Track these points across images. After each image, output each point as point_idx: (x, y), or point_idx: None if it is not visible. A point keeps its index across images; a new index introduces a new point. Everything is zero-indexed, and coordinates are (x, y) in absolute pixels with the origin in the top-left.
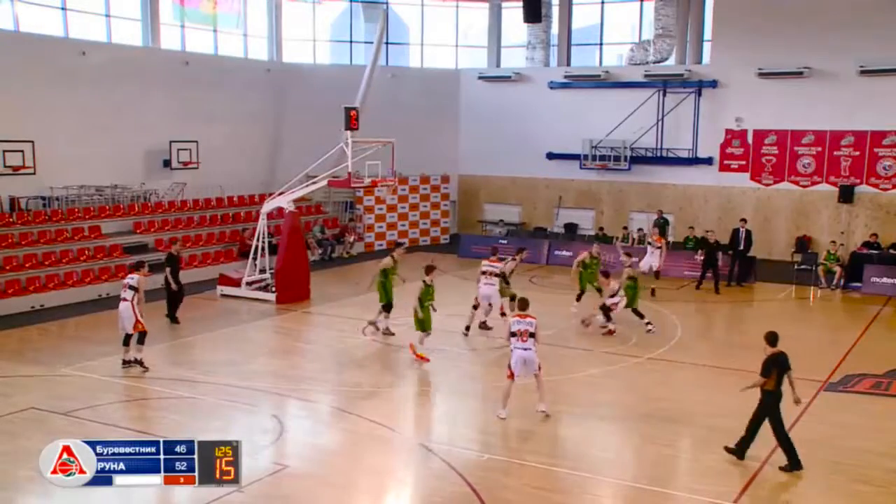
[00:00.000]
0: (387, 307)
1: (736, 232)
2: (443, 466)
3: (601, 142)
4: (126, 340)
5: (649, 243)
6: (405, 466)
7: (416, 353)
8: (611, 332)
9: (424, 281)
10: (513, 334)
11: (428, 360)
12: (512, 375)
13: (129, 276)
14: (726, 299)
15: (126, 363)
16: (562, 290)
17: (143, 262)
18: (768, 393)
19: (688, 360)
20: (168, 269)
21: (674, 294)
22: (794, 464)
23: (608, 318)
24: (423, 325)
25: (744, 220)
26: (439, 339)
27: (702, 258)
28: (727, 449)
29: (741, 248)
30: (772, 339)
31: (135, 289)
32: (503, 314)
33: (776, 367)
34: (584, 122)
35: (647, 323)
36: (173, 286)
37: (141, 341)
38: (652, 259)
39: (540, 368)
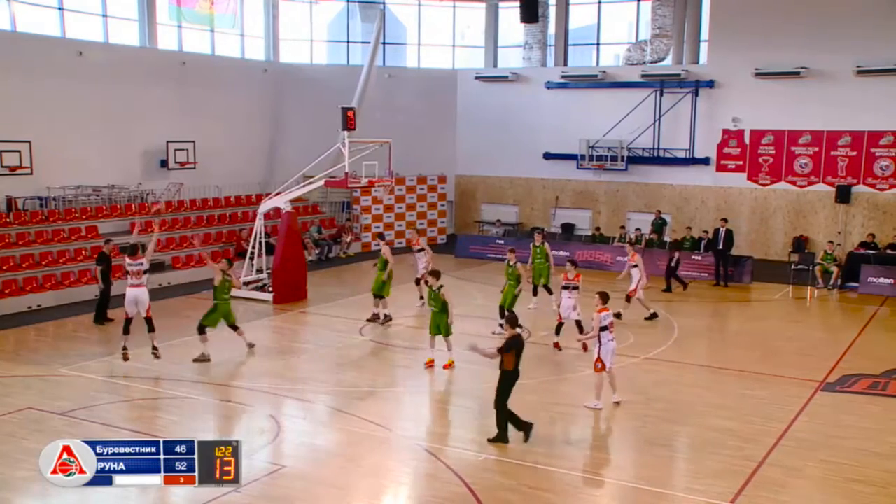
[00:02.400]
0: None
1: (716, 232)
2: (440, 467)
3: (598, 142)
4: (126, 328)
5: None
6: (402, 467)
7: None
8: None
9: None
10: (604, 328)
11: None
12: (604, 367)
13: (137, 260)
14: (723, 299)
15: (126, 350)
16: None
17: (137, 245)
18: (507, 372)
19: (685, 361)
20: (99, 269)
21: (672, 294)
22: (501, 436)
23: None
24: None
25: (724, 220)
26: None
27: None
28: (490, 440)
29: (720, 247)
30: (512, 321)
31: (147, 271)
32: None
33: (515, 347)
34: (581, 122)
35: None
36: (101, 285)
37: (152, 328)
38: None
39: None
